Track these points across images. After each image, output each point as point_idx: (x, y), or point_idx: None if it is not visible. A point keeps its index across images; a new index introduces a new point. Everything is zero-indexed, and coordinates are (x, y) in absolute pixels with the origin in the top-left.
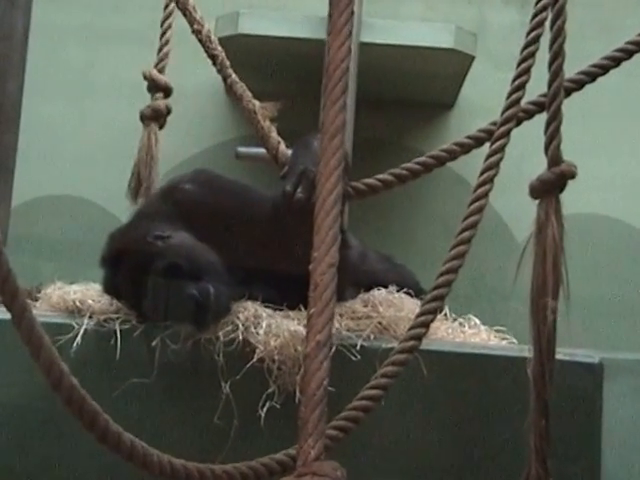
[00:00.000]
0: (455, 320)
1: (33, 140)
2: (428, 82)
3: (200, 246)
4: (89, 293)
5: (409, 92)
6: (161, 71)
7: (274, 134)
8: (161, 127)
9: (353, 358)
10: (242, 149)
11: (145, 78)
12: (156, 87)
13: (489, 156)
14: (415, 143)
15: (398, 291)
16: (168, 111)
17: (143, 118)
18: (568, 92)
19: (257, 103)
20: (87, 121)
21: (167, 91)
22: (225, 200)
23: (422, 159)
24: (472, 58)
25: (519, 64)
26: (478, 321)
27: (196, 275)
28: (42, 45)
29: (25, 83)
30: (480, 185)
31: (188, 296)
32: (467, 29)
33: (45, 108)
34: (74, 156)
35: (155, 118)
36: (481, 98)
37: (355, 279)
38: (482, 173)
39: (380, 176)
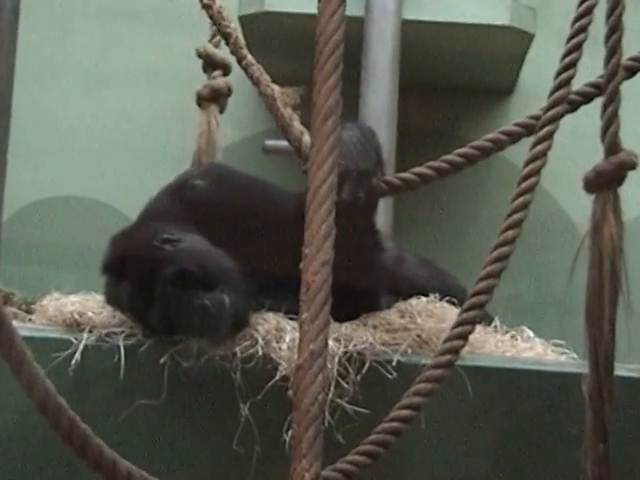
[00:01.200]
0: (506, 332)
1: (36, 135)
2: (482, 64)
3: (214, 251)
4: (89, 304)
5: (460, 76)
6: (216, 46)
7: (297, 123)
8: (222, 110)
9: (388, 376)
10: (270, 142)
11: (199, 56)
12: (213, 64)
13: (535, 145)
14: (468, 133)
15: (440, 300)
16: (229, 91)
17: (201, 100)
18: (633, 72)
19: (277, 88)
20: (97, 112)
21: (226, 68)
22: (242, 198)
23: (464, 150)
24: (531, 36)
25: (569, 39)
26: (532, 333)
27: (209, 283)
28: (44, 25)
29: (24, 70)
30: (525, 178)
31: (200, 307)
32: (525, 3)
33: (49, 98)
34: (83, 152)
35: (215, 99)
36: (543, 81)
37: (390, 286)
38: (527, 164)
39: (417, 169)
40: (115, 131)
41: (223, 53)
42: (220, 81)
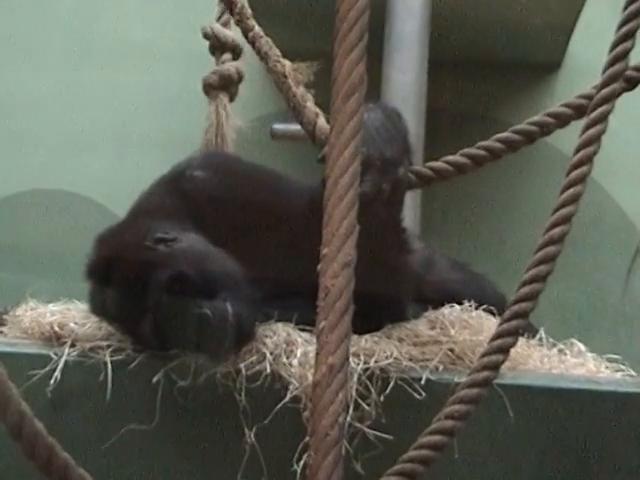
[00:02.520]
0: (553, 346)
1: (14, 121)
2: (524, 36)
3: (215, 252)
4: (71, 314)
5: (498, 50)
6: (226, 25)
7: (310, 104)
8: (232, 99)
9: (417, 396)
10: (279, 126)
11: (206, 37)
12: (222, 46)
13: (586, 128)
14: (509, 116)
15: (476, 308)
16: (240, 77)
17: (208, 88)
18: None
19: (288, 64)
20: (80, 93)
21: (236, 51)
22: (248, 191)
23: (504, 135)
24: (582, 2)
25: (626, 6)
26: (583, 347)
27: (210, 290)
28: None
29: None
30: (574, 167)
31: (199, 317)
32: None
33: (25, 79)
34: (62, 139)
35: (224, 87)
36: (596, 55)
37: (419, 293)
38: (577, 151)
39: (450, 158)
40: (102, 114)
41: (233, 34)
42: (230, 66)
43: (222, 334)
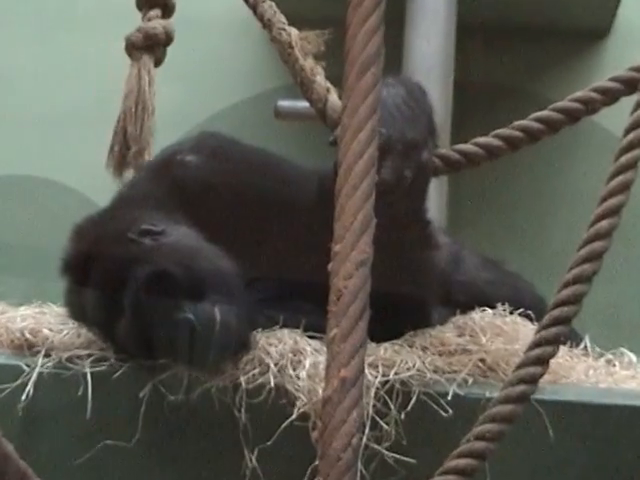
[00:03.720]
0: (600, 356)
1: None
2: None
3: (207, 248)
4: (45, 319)
5: (536, 15)
6: None
7: (320, 78)
8: (157, 63)
9: (442, 413)
10: (284, 103)
11: None
12: (149, 0)
13: (638, 106)
14: (548, 91)
15: (511, 313)
16: (168, 37)
17: (130, 48)
18: None
19: (294, 32)
20: (54, 69)
21: (167, 6)
22: (247, 178)
23: (544, 113)
24: None
25: None
26: (634, 357)
27: (197, 291)
28: None
29: None
30: (625, 150)
31: (181, 323)
32: None
33: None
34: (34, 118)
35: (148, 48)
36: None
37: (445, 295)
38: (627, 132)
39: (481, 139)
40: (78, 90)
41: None
42: (157, 23)
43: (206, 343)
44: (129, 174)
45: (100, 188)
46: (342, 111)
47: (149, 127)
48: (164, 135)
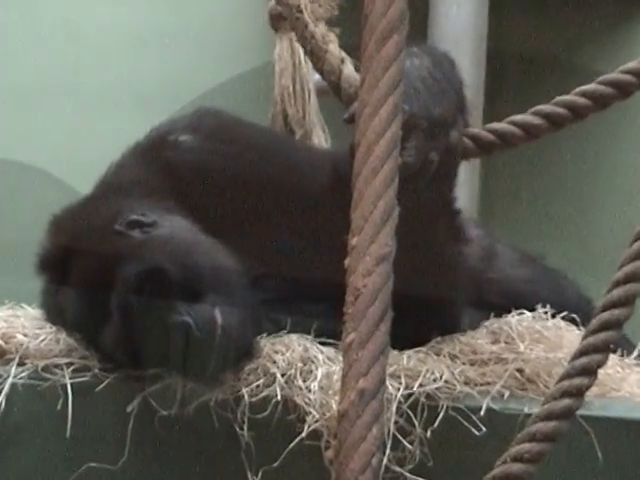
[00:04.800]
0: None
1: None
2: None
3: (205, 242)
4: (19, 322)
5: None
6: None
7: (334, 47)
8: None
9: (474, 431)
10: None
11: None
12: None
13: None
14: (594, 62)
15: (553, 316)
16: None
17: (276, 20)
18: None
19: None
20: (27, 35)
21: None
22: (250, 162)
23: (590, 87)
24: None
25: None
26: None
27: (195, 291)
28: None
29: None
30: None
31: (177, 327)
32: None
33: None
34: (5, 95)
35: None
36: None
37: (477, 295)
38: None
39: (518, 118)
40: (55, 60)
41: None
42: None
43: (206, 350)
44: None
45: (81, 173)
46: (360, 85)
47: (312, 105)
48: (158, 110)
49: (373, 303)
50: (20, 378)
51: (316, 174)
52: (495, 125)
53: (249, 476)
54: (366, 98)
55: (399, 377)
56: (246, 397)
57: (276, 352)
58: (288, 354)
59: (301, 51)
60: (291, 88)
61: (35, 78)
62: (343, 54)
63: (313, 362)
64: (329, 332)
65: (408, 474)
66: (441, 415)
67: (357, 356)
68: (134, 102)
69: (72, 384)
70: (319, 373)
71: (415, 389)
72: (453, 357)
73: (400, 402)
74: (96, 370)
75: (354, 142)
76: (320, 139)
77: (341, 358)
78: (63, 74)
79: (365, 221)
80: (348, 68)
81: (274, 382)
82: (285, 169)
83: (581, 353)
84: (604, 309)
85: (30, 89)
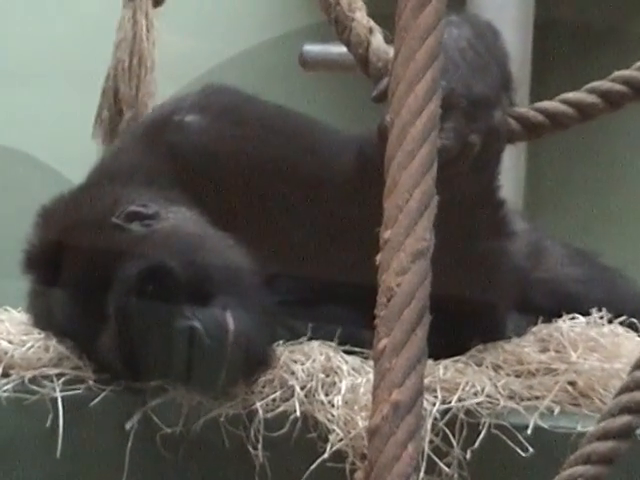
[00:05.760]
0: None
1: None
2: None
3: (214, 236)
4: (3, 327)
5: None
6: None
7: (361, 15)
8: (158, 2)
9: (520, 452)
10: (312, 48)
11: None
12: None
13: None
14: None
15: (609, 321)
16: None
17: None
18: None
19: None
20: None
21: None
22: (265, 146)
23: None
24: None
25: None
26: None
27: (203, 292)
28: None
29: None
30: None
31: (184, 332)
32: None
33: None
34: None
35: None
36: None
37: (524, 297)
38: None
39: (571, 96)
40: (43, 35)
41: None
42: None
43: (216, 359)
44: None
45: (72, 159)
46: (394, 57)
47: (148, 85)
48: (164, 92)
49: (408, 304)
50: (4, 391)
51: (340, 159)
52: (544, 104)
53: None
54: (400, 72)
55: (435, 390)
56: (261, 412)
57: (295, 362)
58: (308, 364)
59: (144, 23)
60: (127, 62)
61: (20, 56)
62: (372, 23)
63: (337, 373)
64: (355, 339)
65: None
66: (482, 434)
67: (390, 364)
68: None
69: (63, 398)
70: (343, 386)
71: (453, 404)
72: (496, 368)
73: (436, 419)
74: (90, 382)
75: (383, 123)
76: (132, 127)
77: (368, 369)
78: (50, 52)
79: (399, 212)
80: (377, 39)
81: (292, 396)
82: (305, 154)
83: None
84: None
85: (15, 67)
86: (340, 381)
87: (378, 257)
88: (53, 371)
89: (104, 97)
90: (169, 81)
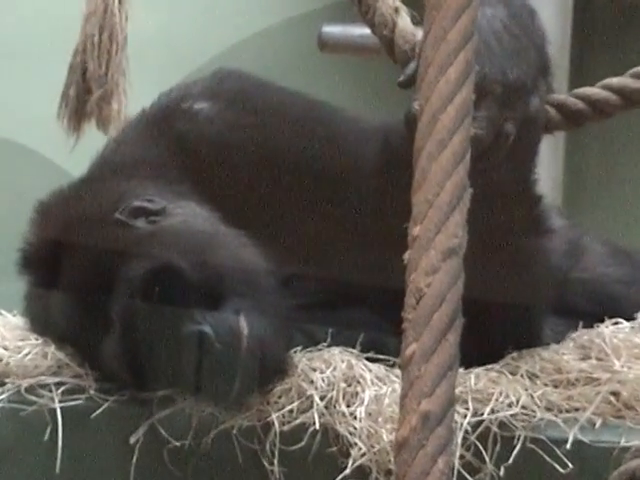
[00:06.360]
0: None
1: None
2: None
3: (226, 233)
4: None
5: None
6: None
7: None
8: None
9: (559, 468)
10: (331, 29)
11: None
12: None
13: None
14: None
15: None
16: None
17: None
18: None
19: None
20: None
21: None
22: (279, 134)
23: None
24: None
25: None
26: None
27: (215, 295)
28: None
29: None
30: None
31: (195, 337)
32: None
33: None
34: None
35: None
36: None
37: (562, 299)
38: None
39: (615, 81)
40: (39, 11)
41: None
42: None
43: (229, 366)
44: (94, 129)
45: (69, 149)
46: (423, 39)
47: (119, 63)
48: (158, 77)
49: (439, 307)
50: (1, 401)
51: (364, 150)
52: (585, 90)
53: None
54: (431, 55)
55: (466, 401)
56: (277, 424)
57: (314, 370)
58: (328, 372)
59: None
60: (96, 37)
61: (9, 33)
62: (398, 3)
63: (359, 383)
64: (380, 345)
65: None
66: (517, 448)
67: (420, 372)
68: (135, 64)
69: (62, 408)
70: (366, 396)
71: (485, 416)
72: (532, 377)
73: (467, 432)
74: (92, 391)
75: (411, 110)
76: (120, 104)
77: (394, 377)
78: (45, 29)
79: (429, 206)
80: (404, 20)
81: (311, 407)
82: (325, 144)
83: None
84: None
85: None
86: (363, 391)
87: (406, 255)
88: (52, 380)
89: (71, 74)
90: (175, 66)
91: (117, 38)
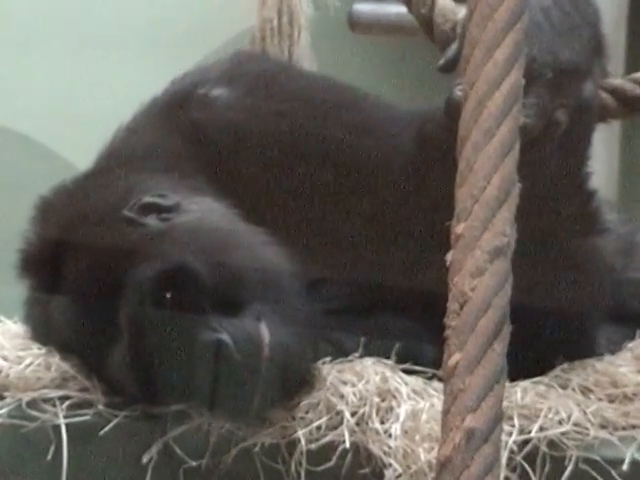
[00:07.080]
0: None
1: None
2: None
3: (246, 232)
4: None
5: None
6: None
7: None
8: None
9: None
10: (363, 7)
11: None
12: None
13: None
14: None
15: None
16: None
17: None
18: None
19: None
20: None
21: None
22: (304, 123)
23: None
24: None
25: None
26: None
27: (233, 299)
28: None
29: None
30: None
31: (210, 346)
32: None
33: None
34: None
35: None
36: None
37: (619, 304)
38: None
39: None
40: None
41: None
42: None
43: (250, 378)
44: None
45: (75, 141)
46: (468, 18)
47: (303, 49)
48: (180, 56)
49: (485, 312)
50: (0, 415)
51: (398, 139)
52: None
53: None
54: (476, 35)
55: (511, 418)
56: (303, 442)
57: (344, 383)
58: (360, 386)
59: None
60: (275, 22)
61: (19, 18)
62: None
63: (394, 397)
64: (417, 356)
65: None
66: (569, 469)
67: (464, 384)
68: (144, 45)
69: (67, 425)
70: (402, 412)
71: (533, 434)
72: (585, 391)
73: (512, 451)
74: (100, 406)
75: (453, 96)
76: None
77: (432, 391)
78: (50, 8)
79: (475, 202)
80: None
81: (341, 423)
82: (355, 133)
83: None
84: None
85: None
86: (398, 406)
87: (449, 256)
88: (55, 393)
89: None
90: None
91: (299, 20)
